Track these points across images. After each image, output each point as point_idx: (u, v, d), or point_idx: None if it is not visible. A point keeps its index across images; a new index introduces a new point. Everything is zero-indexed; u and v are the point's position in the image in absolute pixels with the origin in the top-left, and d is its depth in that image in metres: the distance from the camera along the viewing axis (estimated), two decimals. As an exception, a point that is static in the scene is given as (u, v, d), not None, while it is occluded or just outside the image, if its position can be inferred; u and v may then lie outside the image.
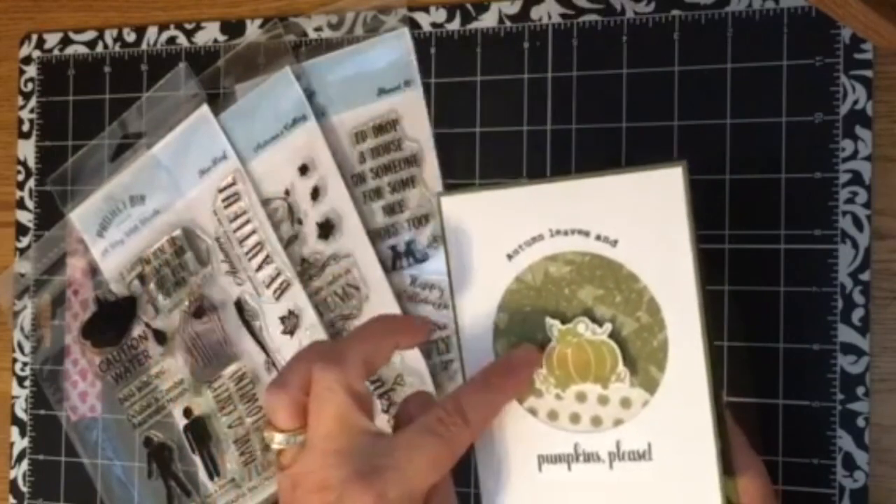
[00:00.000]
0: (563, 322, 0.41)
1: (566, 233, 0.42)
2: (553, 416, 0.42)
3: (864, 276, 0.50)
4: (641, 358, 0.41)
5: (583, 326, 0.41)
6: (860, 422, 0.50)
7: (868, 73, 0.51)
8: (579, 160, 0.55)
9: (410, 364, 0.58)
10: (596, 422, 0.41)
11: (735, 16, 0.53)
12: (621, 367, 0.41)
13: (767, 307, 0.52)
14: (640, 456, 0.41)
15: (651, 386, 0.40)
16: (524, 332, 0.42)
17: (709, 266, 0.40)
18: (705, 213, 0.53)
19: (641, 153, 0.54)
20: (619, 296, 0.41)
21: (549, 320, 0.42)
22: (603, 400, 0.41)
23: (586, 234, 0.41)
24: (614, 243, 0.41)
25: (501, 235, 0.43)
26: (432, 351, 0.58)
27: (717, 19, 0.53)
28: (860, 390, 0.50)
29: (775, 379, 0.51)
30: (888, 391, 0.51)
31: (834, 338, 0.51)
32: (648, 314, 0.40)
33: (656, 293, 0.40)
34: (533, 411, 0.42)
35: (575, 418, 0.42)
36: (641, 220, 0.40)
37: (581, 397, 0.41)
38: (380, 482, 0.37)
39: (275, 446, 0.39)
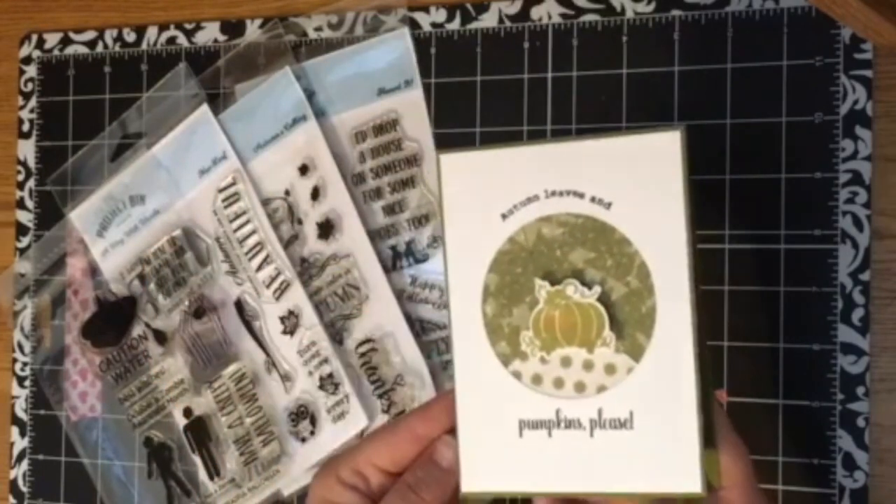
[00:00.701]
0: (553, 284, 0.41)
1: (561, 194, 0.41)
2: (537, 380, 0.41)
3: (864, 276, 0.50)
4: (629, 324, 0.40)
5: (572, 289, 0.41)
6: (860, 422, 0.50)
7: (868, 73, 0.51)
8: (579, 160, 0.55)
9: (410, 364, 0.58)
10: (579, 388, 0.41)
11: (735, 16, 0.53)
12: (608, 332, 0.40)
13: (767, 307, 0.52)
14: (622, 424, 0.40)
15: (637, 353, 0.40)
16: (513, 293, 0.42)
17: (701, 237, 0.40)
18: (705, 213, 0.53)
19: (641, 153, 0.54)
20: (611, 259, 0.41)
21: (538, 281, 0.41)
22: (588, 365, 0.41)
23: (581, 195, 0.41)
24: (608, 206, 0.40)
25: (497, 194, 0.42)
26: (432, 351, 0.58)
27: (717, 19, 0.53)
28: (860, 390, 0.50)
29: (775, 379, 0.51)
30: (888, 391, 0.51)
31: (834, 338, 0.51)
32: (638, 279, 0.40)
33: (647, 258, 0.40)
34: (517, 375, 0.42)
35: (559, 383, 0.41)
36: (637, 183, 0.40)
37: (566, 362, 0.41)
38: None
39: None
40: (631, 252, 0.40)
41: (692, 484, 0.39)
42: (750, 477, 0.42)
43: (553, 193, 0.41)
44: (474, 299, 0.42)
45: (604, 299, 0.40)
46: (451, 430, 0.43)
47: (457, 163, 0.43)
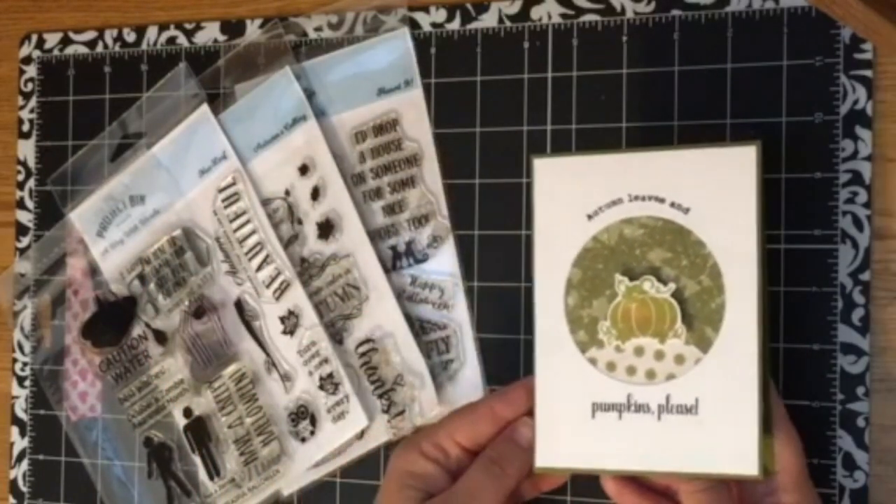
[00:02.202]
0: (632, 280, 0.45)
1: (643, 198, 0.45)
2: (611, 367, 0.45)
3: (864, 276, 0.50)
4: (699, 318, 0.44)
5: (648, 284, 0.45)
6: (860, 422, 0.50)
7: (868, 73, 0.51)
8: (579, 160, 0.55)
9: (410, 364, 0.58)
10: (650, 375, 0.45)
11: (735, 16, 0.53)
12: (679, 325, 0.44)
13: (767, 307, 0.52)
14: (688, 410, 0.44)
15: (705, 345, 0.44)
16: (594, 287, 0.46)
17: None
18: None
19: (641, 153, 0.54)
20: (685, 259, 0.44)
21: (618, 277, 0.45)
22: (659, 355, 0.44)
23: (661, 200, 0.45)
24: (686, 211, 0.44)
25: (584, 197, 0.46)
26: (432, 351, 0.58)
27: (717, 19, 0.53)
28: (860, 390, 0.50)
29: (775, 379, 0.51)
30: (888, 391, 0.51)
31: (834, 338, 0.51)
32: (710, 278, 0.44)
33: (720, 260, 0.44)
34: (593, 361, 0.46)
35: (631, 370, 0.45)
36: (714, 191, 0.44)
37: (639, 351, 0.45)
38: None
39: None
40: (705, 253, 0.44)
41: (750, 467, 0.43)
42: (802, 464, 0.45)
43: (636, 198, 0.45)
44: (558, 291, 0.47)
45: (677, 295, 0.44)
46: (529, 413, 0.47)
47: (548, 166, 0.47)
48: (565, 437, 0.46)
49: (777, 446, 0.44)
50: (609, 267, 0.46)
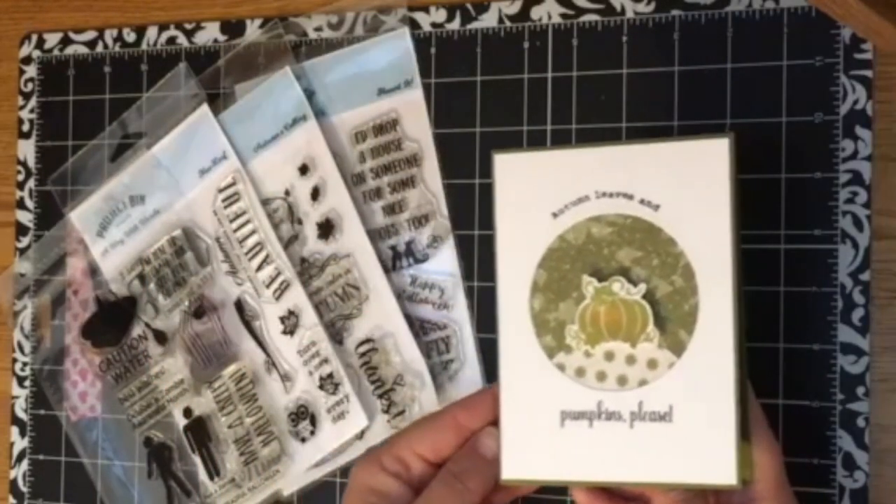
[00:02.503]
0: (600, 281, 0.43)
1: (611, 195, 0.43)
2: (580, 372, 0.43)
3: (864, 276, 0.50)
4: (672, 320, 0.42)
5: (618, 285, 0.42)
6: (860, 422, 0.50)
7: (868, 73, 0.51)
8: (579, 160, 0.55)
9: (410, 364, 0.58)
10: (621, 381, 0.43)
11: (735, 16, 0.53)
12: (651, 328, 0.42)
13: (767, 307, 0.52)
14: (661, 417, 0.42)
15: (678, 349, 0.42)
16: (561, 289, 0.44)
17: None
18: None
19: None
20: (656, 259, 0.42)
21: (585, 278, 0.43)
22: (630, 359, 0.42)
23: (630, 197, 0.43)
24: (656, 208, 0.42)
25: (549, 194, 0.44)
26: (432, 351, 0.58)
27: (717, 19, 0.53)
28: (860, 390, 0.50)
29: (775, 379, 0.51)
30: (888, 391, 0.51)
31: (834, 338, 0.51)
32: (683, 279, 0.42)
33: (692, 259, 0.42)
34: (561, 367, 0.43)
35: (601, 376, 0.43)
36: (685, 187, 0.42)
37: (609, 356, 0.43)
38: None
39: None
40: (676, 252, 0.42)
41: (728, 476, 0.41)
42: (781, 472, 0.43)
43: (603, 194, 0.43)
44: (522, 294, 0.44)
45: (648, 297, 0.42)
46: (494, 423, 0.45)
47: (510, 162, 0.45)
48: (533, 448, 0.44)
49: (755, 453, 0.42)
50: (576, 268, 0.44)
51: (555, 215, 0.44)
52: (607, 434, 0.42)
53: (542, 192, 0.44)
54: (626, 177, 0.43)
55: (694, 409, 0.41)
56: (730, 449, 0.41)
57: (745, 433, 0.41)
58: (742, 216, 0.41)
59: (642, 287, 0.42)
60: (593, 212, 0.43)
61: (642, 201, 0.43)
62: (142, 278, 0.63)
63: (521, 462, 0.44)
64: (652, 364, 0.42)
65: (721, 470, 0.41)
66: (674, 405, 0.42)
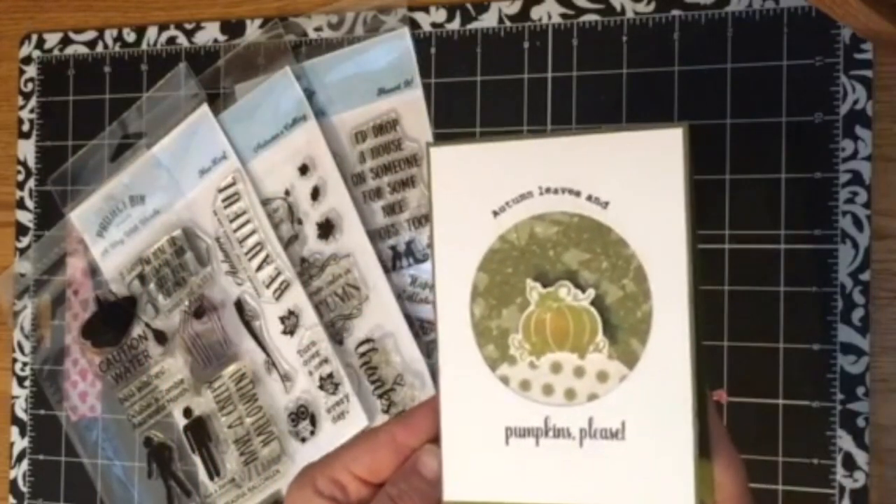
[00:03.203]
0: (545, 286, 0.39)
1: (556, 191, 0.39)
2: (525, 386, 0.40)
3: (864, 276, 0.50)
4: (623, 329, 0.39)
5: (564, 291, 0.39)
6: (860, 422, 0.50)
7: (868, 73, 0.51)
8: (579, 160, 0.55)
9: (410, 364, 0.58)
10: (570, 395, 0.39)
11: (735, 16, 0.53)
12: (600, 337, 0.38)
13: (767, 307, 0.52)
14: (613, 434, 0.39)
15: (630, 360, 0.38)
16: (503, 294, 0.40)
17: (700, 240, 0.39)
18: (706, 213, 0.53)
19: (641, 153, 0.54)
20: (606, 261, 0.39)
21: (529, 282, 0.39)
22: (579, 372, 0.39)
23: (577, 193, 0.39)
24: (605, 205, 0.39)
25: (490, 191, 0.40)
26: (432, 351, 0.58)
27: (717, 19, 0.53)
28: (860, 390, 0.50)
29: (775, 379, 0.51)
30: (888, 391, 0.51)
31: (834, 338, 0.51)
32: (634, 283, 0.38)
33: (645, 261, 0.38)
34: (505, 380, 0.40)
35: (548, 390, 0.39)
36: (635, 182, 0.38)
37: (556, 368, 0.39)
38: None
39: None
40: (627, 254, 0.38)
41: (685, 498, 0.38)
42: (745, 491, 0.41)
43: (548, 190, 0.40)
44: (462, 299, 0.41)
45: (598, 303, 0.39)
46: (434, 440, 0.42)
47: (447, 156, 0.41)
48: (476, 467, 0.40)
49: (717, 471, 0.39)
50: (519, 271, 0.40)
51: (495, 214, 0.40)
52: (555, 452, 0.39)
53: (482, 189, 0.40)
54: (573, 171, 0.39)
55: (648, 425, 0.38)
56: (687, 469, 0.38)
57: (704, 451, 0.38)
58: (697, 214, 0.38)
59: (591, 292, 0.39)
60: (537, 210, 0.40)
61: (590, 198, 0.39)
62: (142, 278, 0.63)
63: (464, 483, 0.41)
64: (602, 377, 0.39)
65: (678, 492, 0.38)
66: (626, 421, 0.38)
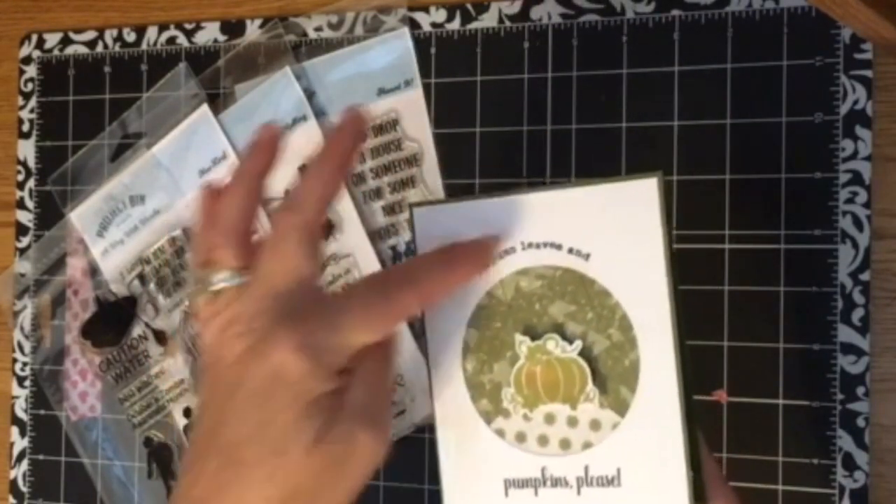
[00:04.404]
0: (534, 339, 0.40)
1: (538, 246, 0.40)
2: (521, 437, 0.40)
3: (864, 276, 0.50)
4: (612, 378, 0.39)
5: (552, 343, 0.40)
6: (860, 422, 0.50)
7: (868, 73, 0.51)
8: (579, 160, 0.55)
9: (410, 364, 0.58)
10: (565, 445, 0.40)
11: (735, 16, 0.53)
12: (591, 387, 0.39)
13: (767, 307, 0.52)
14: (609, 482, 0.39)
15: (621, 408, 0.39)
16: (493, 349, 0.41)
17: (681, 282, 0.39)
18: (705, 213, 0.53)
19: (641, 153, 0.54)
20: (591, 312, 0.39)
21: (518, 337, 0.40)
22: (572, 422, 0.40)
23: (558, 247, 0.40)
24: (587, 257, 0.39)
25: None
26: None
27: (717, 19, 0.53)
28: (860, 390, 0.50)
29: (775, 379, 0.51)
30: (888, 391, 0.51)
31: (834, 338, 0.51)
32: (620, 332, 0.39)
33: (628, 310, 0.39)
34: (500, 433, 0.41)
35: (543, 440, 0.40)
36: (614, 233, 0.39)
37: (550, 419, 0.40)
38: (304, 328, 0.36)
39: (215, 287, 0.38)
40: (611, 304, 0.39)
41: None
42: None
43: (530, 245, 0.40)
44: (454, 355, 0.42)
45: (585, 353, 0.39)
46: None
47: (430, 215, 0.42)
48: None
49: None
50: (508, 325, 0.40)
51: None
52: (554, 502, 0.40)
53: None
54: (553, 225, 0.40)
55: (643, 471, 0.39)
56: None
57: (699, 494, 0.39)
58: (677, 259, 0.38)
59: (578, 344, 0.39)
60: (521, 264, 0.40)
61: (571, 250, 0.40)
62: (142, 278, 0.63)
63: None
64: (595, 425, 0.39)
65: None
66: (622, 468, 0.39)
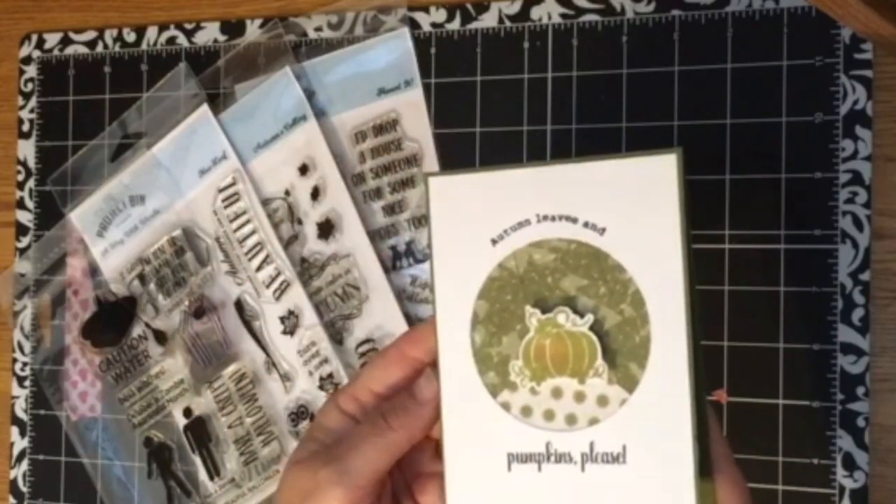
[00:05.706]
0: (544, 312, 0.40)
1: (553, 218, 0.40)
2: (526, 411, 0.40)
3: (864, 276, 0.50)
4: (622, 353, 0.39)
5: (563, 317, 0.39)
6: (860, 422, 0.50)
7: (868, 73, 0.51)
8: (579, 160, 0.55)
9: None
10: (570, 420, 0.40)
11: (735, 16, 0.53)
12: (600, 362, 0.39)
13: (767, 307, 0.52)
14: (614, 459, 0.39)
15: (630, 384, 0.39)
16: (503, 321, 0.41)
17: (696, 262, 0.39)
18: (705, 213, 0.53)
19: (641, 153, 0.54)
20: (604, 287, 0.39)
21: (528, 309, 0.40)
22: (579, 397, 0.39)
23: (574, 220, 0.40)
24: (602, 231, 0.39)
25: (488, 219, 0.41)
26: (432, 351, 0.58)
27: (717, 19, 0.53)
28: (860, 390, 0.50)
29: (775, 379, 0.51)
30: (888, 391, 0.51)
31: (834, 338, 0.51)
32: (632, 307, 0.39)
33: (642, 286, 0.38)
34: (506, 406, 0.40)
35: (549, 415, 0.40)
36: (631, 208, 0.39)
37: (557, 393, 0.40)
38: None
39: None
40: (625, 279, 0.39)
41: None
42: None
43: (545, 218, 0.40)
44: (462, 327, 0.41)
45: (596, 328, 0.39)
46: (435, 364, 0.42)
47: (445, 185, 0.42)
48: (479, 492, 0.41)
49: (719, 492, 0.39)
50: (518, 298, 0.40)
51: (494, 242, 0.41)
52: (557, 477, 0.39)
53: (480, 217, 0.41)
54: (569, 198, 0.40)
55: (649, 449, 0.38)
56: (688, 491, 0.38)
57: (706, 471, 0.38)
58: (691, 237, 0.38)
59: (589, 318, 0.39)
60: (535, 237, 0.40)
61: (586, 224, 0.39)
62: (142, 278, 0.63)
63: None
64: (602, 401, 0.39)
65: None
66: (627, 445, 0.39)
